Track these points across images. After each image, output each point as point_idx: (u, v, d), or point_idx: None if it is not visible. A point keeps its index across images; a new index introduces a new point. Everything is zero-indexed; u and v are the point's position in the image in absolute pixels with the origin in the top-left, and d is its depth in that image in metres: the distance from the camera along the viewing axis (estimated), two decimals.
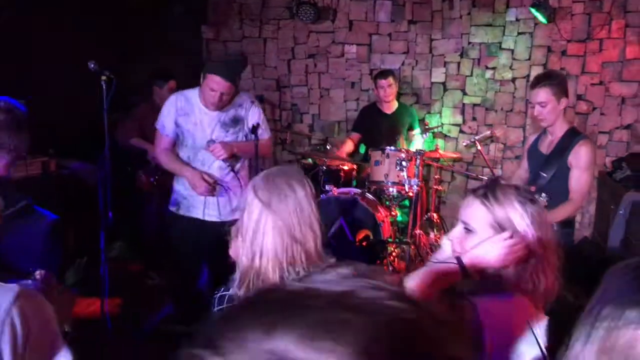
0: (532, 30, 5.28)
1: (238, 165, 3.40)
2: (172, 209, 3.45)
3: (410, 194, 4.60)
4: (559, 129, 3.19)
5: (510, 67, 5.40)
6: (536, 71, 5.25)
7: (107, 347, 3.09)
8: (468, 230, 1.58)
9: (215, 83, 3.09)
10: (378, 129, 5.12)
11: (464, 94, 5.58)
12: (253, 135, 3.25)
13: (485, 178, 5.02)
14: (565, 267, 1.59)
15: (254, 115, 3.34)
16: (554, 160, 3.16)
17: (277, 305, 0.47)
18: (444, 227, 5.15)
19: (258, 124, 3.25)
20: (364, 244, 4.10)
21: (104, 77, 2.99)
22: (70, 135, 4.18)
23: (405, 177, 4.56)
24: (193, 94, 3.29)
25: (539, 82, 3.13)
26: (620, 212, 4.11)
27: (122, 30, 4.75)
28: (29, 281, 1.71)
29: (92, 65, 2.97)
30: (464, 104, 5.60)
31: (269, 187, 1.66)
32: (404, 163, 4.56)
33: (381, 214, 4.45)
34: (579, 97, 5.22)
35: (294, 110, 6.03)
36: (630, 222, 4.04)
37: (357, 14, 5.70)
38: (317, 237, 1.67)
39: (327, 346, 0.43)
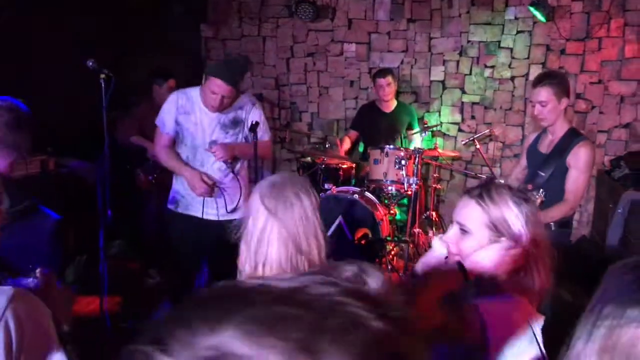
0: (531, 29, 5.28)
1: (238, 166, 3.40)
2: (171, 207, 3.45)
3: (409, 192, 4.61)
4: (559, 129, 3.19)
5: (509, 66, 5.40)
6: (535, 70, 5.26)
7: (106, 345, 3.09)
8: (464, 231, 1.58)
9: (217, 86, 3.08)
10: (377, 127, 5.12)
11: (463, 92, 5.58)
12: (252, 134, 3.25)
13: (484, 177, 5.04)
14: (563, 267, 1.60)
15: (254, 117, 3.34)
16: (552, 160, 3.17)
17: (223, 301, 0.47)
18: (443, 226, 5.16)
19: (257, 122, 3.25)
20: (362, 242, 4.10)
21: (103, 75, 2.99)
22: (70, 133, 4.18)
23: (404, 175, 4.57)
24: (195, 93, 3.28)
25: (540, 81, 3.13)
26: (619, 210, 4.12)
27: (122, 29, 4.74)
28: (30, 279, 1.71)
29: (91, 64, 2.97)
30: (462, 103, 5.60)
31: (275, 195, 1.66)
32: (402, 162, 4.57)
33: (380, 212, 4.46)
34: (578, 96, 5.22)
35: (293, 108, 6.03)
36: (629, 220, 4.05)
37: (356, 12, 5.70)
38: (321, 247, 1.67)
39: (270, 341, 0.43)
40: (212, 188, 3.29)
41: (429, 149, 5.08)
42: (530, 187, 3.04)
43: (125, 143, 4.48)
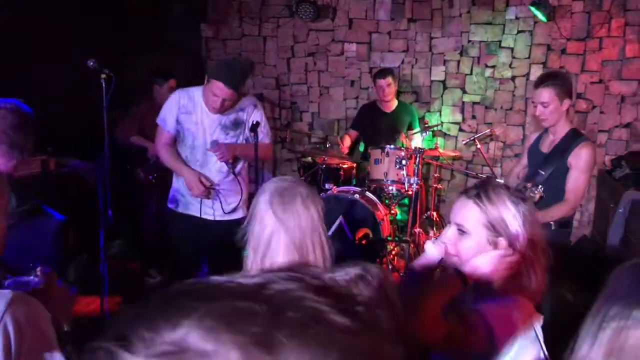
0: (531, 29, 5.28)
1: (238, 167, 3.40)
2: (171, 206, 3.45)
3: (410, 192, 4.60)
4: (561, 129, 3.19)
5: (510, 66, 5.40)
6: (536, 69, 5.25)
7: None
8: (462, 231, 1.58)
9: (219, 89, 3.08)
10: (377, 127, 5.12)
11: (464, 92, 5.58)
12: (253, 134, 3.24)
13: (485, 176, 5.04)
14: (564, 266, 1.60)
15: (255, 119, 3.33)
16: (553, 160, 3.16)
17: (186, 298, 0.48)
18: (444, 226, 5.15)
19: (258, 122, 3.24)
20: (363, 242, 4.09)
21: (103, 75, 2.99)
22: (70, 133, 4.18)
23: (405, 175, 4.56)
24: (197, 93, 3.27)
25: (542, 81, 3.13)
26: (620, 210, 4.12)
27: (122, 29, 4.74)
28: (31, 277, 1.71)
29: (92, 64, 2.97)
30: (463, 102, 5.60)
31: (284, 202, 1.65)
32: (403, 161, 4.56)
33: (381, 212, 4.46)
34: (579, 96, 5.21)
35: (294, 108, 6.03)
36: (630, 220, 4.05)
37: (356, 12, 5.70)
38: (326, 257, 1.67)
39: (229, 337, 0.43)
40: (209, 191, 3.30)
41: (430, 149, 5.07)
42: (529, 184, 3.04)
43: (125, 143, 4.48)
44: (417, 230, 4.81)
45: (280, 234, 1.62)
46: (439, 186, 5.37)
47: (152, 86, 4.62)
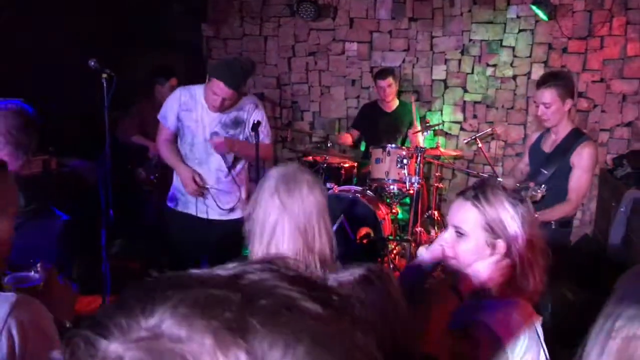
0: (533, 28, 5.27)
1: (238, 168, 3.40)
2: (171, 205, 3.46)
3: (411, 191, 4.60)
4: (563, 129, 3.19)
5: (511, 65, 5.39)
6: (537, 68, 5.25)
7: None
8: (460, 233, 1.57)
9: (219, 89, 3.08)
10: (378, 127, 5.12)
11: (465, 91, 5.57)
12: (253, 133, 3.24)
13: (486, 175, 5.03)
14: (565, 266, 1.59)
15: (256, 118, 3.33)
16: (555, 159, 3.16)
17: (162, 287, 0.49)
18: (445, 225, 5.13)
19: (259, 122, 3.24)
20: (364, 241, 4.10)
21: (104, 75, 2.99)
22: (71, 133, 4.18)
23: (406, 174, 4.56)
24: (199, 91, 3.28)
25: (545, 82, 3.12)
26: (621, 209, 4.11)
27: (122, 29, 4.74)
28: (30, 273, 1.70)
29: (93, 64, 2.97)
30: (464, 102, 5.59)
31: (289, 188, 1.65)
32: (404, 161, 4.56)
33: (382, 211, 4.45)
34: (580, 95, 5.20)
35: (295, 107, 6.03)
36: (631, 219, 4.04)
37: (357, 11, 5.69)
38: (332, 245, 1.67)
39: (202, 323, 0.44)
40: (201, 191, 3.30)
41: (431, 148, 5.07)
42: (532, 184, 3.04)
43: (126, 142, 4.48)
44: (418, 229, 4.80)
45: (285, 220, 1.62)
46: (440, 185, 5.37)
47: (154, 85, 4.62)
